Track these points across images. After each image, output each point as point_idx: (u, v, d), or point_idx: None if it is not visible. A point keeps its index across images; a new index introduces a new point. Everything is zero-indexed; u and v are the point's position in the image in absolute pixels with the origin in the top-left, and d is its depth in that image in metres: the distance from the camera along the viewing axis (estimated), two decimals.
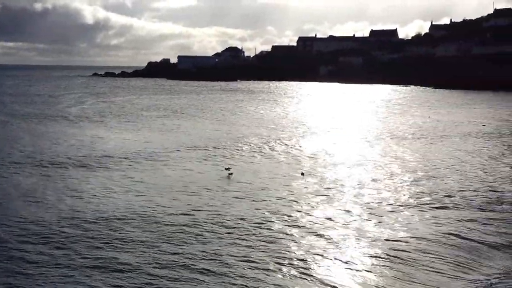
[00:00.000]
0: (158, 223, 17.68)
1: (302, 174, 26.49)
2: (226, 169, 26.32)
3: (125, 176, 25.50)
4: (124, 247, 15.38)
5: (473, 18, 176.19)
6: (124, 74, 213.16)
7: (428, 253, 15.14)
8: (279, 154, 32.27)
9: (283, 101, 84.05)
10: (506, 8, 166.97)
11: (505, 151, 34.01)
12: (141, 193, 22.11)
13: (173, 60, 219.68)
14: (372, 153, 32.81)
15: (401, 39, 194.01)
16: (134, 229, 17.05)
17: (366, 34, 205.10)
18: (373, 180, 24.89)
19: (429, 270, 13.97)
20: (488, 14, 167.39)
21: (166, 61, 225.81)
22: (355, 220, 18.42)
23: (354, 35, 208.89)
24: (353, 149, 34.40)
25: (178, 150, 32.91)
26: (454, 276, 13.80)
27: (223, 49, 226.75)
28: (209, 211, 19.23)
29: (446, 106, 76.17)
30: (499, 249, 15.69)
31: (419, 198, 21.67)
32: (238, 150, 33.45)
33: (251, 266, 14.02)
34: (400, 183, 24.44)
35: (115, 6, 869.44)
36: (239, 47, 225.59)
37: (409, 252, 15.12)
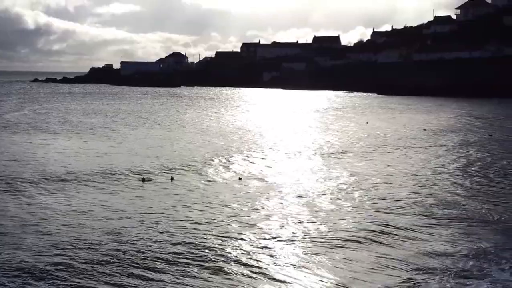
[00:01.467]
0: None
1: (240, 179, 25.69)
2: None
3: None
4: None
5: (414, 25, 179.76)
6: (66, 80, 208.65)
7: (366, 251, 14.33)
8: (217, 169, 31.21)
9: (225, 108, 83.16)
10: (445, 16, 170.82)
11: (443, 154, 33.84)
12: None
13: (116, 66, 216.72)
14: (314, 163, 32.12)
15: (343, 45, 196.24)
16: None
17: (309, 41, 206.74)
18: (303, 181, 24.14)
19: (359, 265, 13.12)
20: (429, 21, 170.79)
21: (109, 67, 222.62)
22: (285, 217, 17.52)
23: (297, 41, 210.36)
24: (292, 159, 33.60)
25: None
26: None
27: (167, 55, 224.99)
28: (144, 214, 18.01)
29: (389, 111, 76.66)
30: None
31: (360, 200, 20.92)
32: (183, 159, 32.19)
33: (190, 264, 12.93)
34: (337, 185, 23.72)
35: (57, 11, 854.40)
36: (183, 53, 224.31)
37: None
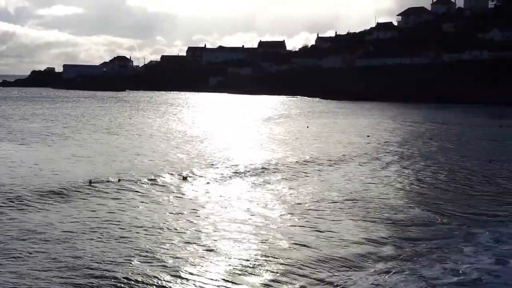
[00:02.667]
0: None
1: (184, 178, 26.03)
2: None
3: None
4: None
5: (357, 31, 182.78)
6: (5, 83, 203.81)
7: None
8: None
9: (168, 113, 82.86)
10: (387, 22, 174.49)
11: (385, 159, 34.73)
12: None
13: (59, 69, 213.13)
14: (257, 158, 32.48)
15: (288, 50, 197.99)
16: None
17: (255, 45, 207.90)
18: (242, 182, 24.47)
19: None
20: (371, 28, 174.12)
21: (51, 70, 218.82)
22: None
23: (243, 46, 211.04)
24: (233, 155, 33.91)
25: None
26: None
27: (111, 58, 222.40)
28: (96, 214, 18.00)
29: (332, 116, 77.78)
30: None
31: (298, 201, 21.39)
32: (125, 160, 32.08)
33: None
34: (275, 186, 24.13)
35: None
36: (128, 56, 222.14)
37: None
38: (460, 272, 13.95)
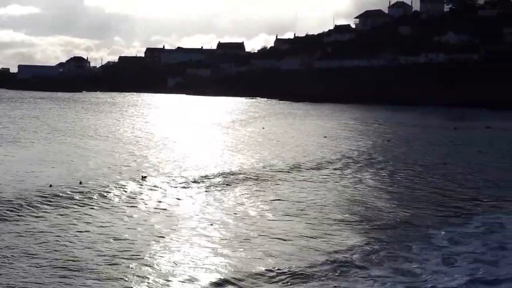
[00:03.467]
0: None
1: (143, 177, 25.51)
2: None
3: None
4: None
5: (316, 33, 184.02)
6: None
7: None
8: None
9: (125, 115, 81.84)
10: (345, 25, 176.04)
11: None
12: None
13: (14, 69, 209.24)
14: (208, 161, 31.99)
15: (248, 52, 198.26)
16: None
17: (214, 47, 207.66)
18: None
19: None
20: (329, 30, 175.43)
21: (5, 71, 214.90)
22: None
23: (202, 47, 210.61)
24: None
25: None
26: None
27: (68, 59, 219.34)
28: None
29: (289, 117, 77.86)
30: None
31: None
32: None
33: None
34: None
35: None
36: (85, 57, 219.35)
37: None
38: (410, 272, 13.86)
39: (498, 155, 39.08)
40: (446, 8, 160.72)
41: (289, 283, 13.33)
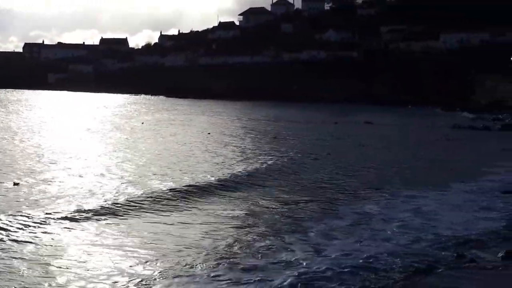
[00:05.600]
0: None
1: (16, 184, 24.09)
2: None
3: None
4: None
5: (200, 30, 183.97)
6: None
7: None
8: None
9: None
10: (229, 22, 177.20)
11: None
12: None
13: None
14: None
15: (131, 48, 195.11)
16: None
17: (97, 42, 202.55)
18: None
19: None
20: (214, 26, 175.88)
21: None
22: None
23: (83, 42, 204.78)
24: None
25: None
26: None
27: None
28: None
29: (173, 114, 77.23)
30: None
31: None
32: None
33: None
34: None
35: None
36: None
37: None
38: (284, 261, 14.06)
39: (377, 147, 41.05)
40: (327, 6, 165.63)
41: None
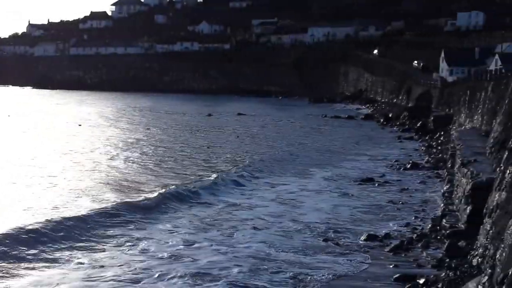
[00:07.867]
0: None
1: None
2: None
3: None
4: None
5: (71, 20, 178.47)
6: None
7: None
8: None
9: None
10: (101, 12, 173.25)
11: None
12: None
13: None
14: None
15: None
16: None
17: None
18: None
19: None
20: (85, 16, 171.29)
21: None
22: None
23: None
24: None
25: None
26: None
27: None
28: None
29: (45, 106, 75.92)
30: None
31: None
32: None
33: None
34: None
35: None
36: None
37: None
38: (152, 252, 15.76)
39: (249, 137, 43.76)
40: None
41: None
